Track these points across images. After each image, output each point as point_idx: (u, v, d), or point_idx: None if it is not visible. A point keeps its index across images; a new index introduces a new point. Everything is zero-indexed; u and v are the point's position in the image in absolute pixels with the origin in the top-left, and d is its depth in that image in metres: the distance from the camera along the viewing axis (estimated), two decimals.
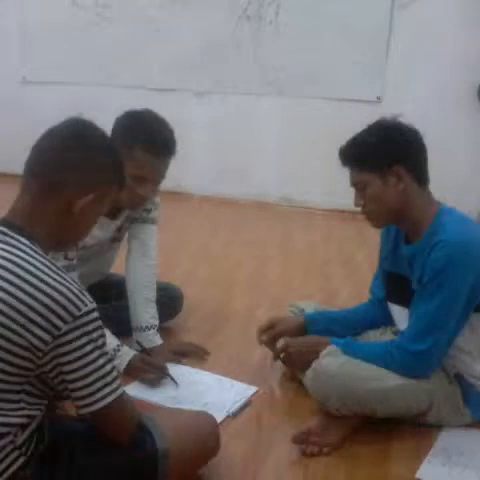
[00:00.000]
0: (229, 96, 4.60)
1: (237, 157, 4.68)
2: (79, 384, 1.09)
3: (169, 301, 2.27)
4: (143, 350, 1.99)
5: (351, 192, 1.70)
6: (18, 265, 1.06)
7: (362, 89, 4.27)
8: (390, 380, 1.59)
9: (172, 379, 1.90)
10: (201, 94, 4.68)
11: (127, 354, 1.90)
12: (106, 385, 1.11)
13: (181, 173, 3.67)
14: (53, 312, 1.04)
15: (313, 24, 4.26)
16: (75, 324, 1.06)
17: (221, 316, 2.51)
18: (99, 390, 1.10)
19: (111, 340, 1.86)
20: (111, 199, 1.25)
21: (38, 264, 1.07)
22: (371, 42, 4.17)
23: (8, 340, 1.03)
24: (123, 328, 2.03)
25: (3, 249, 1.08)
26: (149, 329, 2.04)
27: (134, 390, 1.81)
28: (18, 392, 1.07)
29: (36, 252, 1.09)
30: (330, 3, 4.20)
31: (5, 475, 1.08)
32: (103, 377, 1.10)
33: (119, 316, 2.02)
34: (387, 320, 1.87)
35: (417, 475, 1.51)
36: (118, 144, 1.32)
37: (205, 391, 1.88)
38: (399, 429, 1.69)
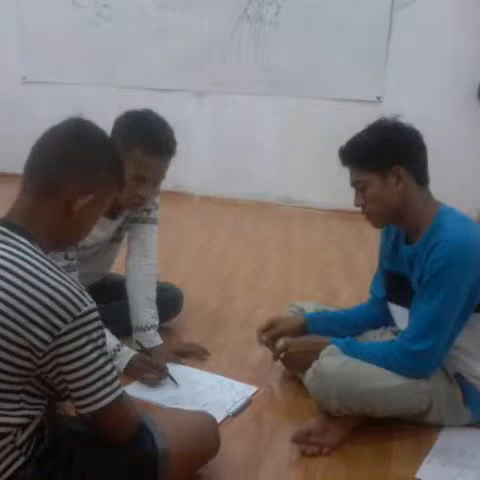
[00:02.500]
0: (229, 96, 4.60)
1: (237, 157, 4.68)
2: (79, 384, 1.08)
3: (169, 301, 2.27)
4: (143, 350, 1.99)
5: (351, 192, 1.70)
6: (18, 265, 1.05)
7: (362, 89, 4.27)
8: (390, 380, 1.59)
9: (172, 379, 1.90)
10: (201, 94, 4.68)
11: (127, 354, 1.90)
12: (106, 385, 1.11)
13: (181, 173, 3.67)
14: (53, 312, 1.04)
15: (313, 24, 4.26)
16: (75, 324, 1.06)
17: (221, 316, 2.51)
18: (99, 390, 1.10)
19: (111, 340, 1.86)
20: (111, 199, 1.25)
21: (38, 264, 1.07)
22: (371, 42, 4.17)
23: (8, 340, 1.02)
24: (123, 328, 2.03)
25: (3, 249, 1.07)
26: (149, 329, 2.05)
27: (134, 390, 1.81)
28: (18, 392, 1.07)
29: (36, 252, 1.09)
30: (330, 3, 4.21)
31: (5, 475, 1.08)
32: (103, 377, 1.10)
33: (119, 316, 2.02)
34: (387, 320, 1.87)
35: (417, 475, 1.51)
36: (118, 144, 1.32)
37: (205, 391, 1.88)
38: (399, 429, 1.69)
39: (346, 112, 4.14)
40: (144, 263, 2.10)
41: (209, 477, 1.47)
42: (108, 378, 1.11)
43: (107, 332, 1.74)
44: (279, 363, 1.96)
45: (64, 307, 1.05)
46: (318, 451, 1.58)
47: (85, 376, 1.08)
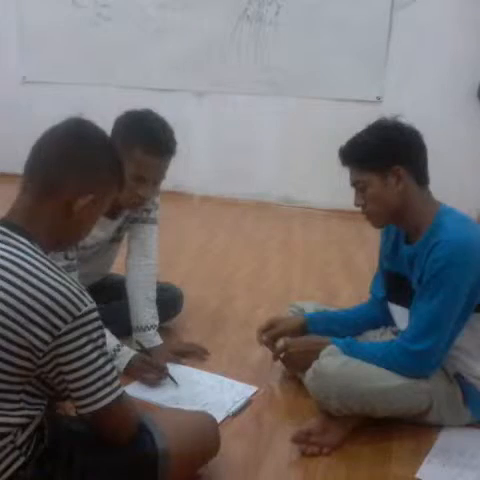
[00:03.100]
0: (229, 96, 4.61)
1: (237, 157, 4.68)
2: (79, 384, 1.08)
3: (169, 301, 2.27)
4: (143, 350, 1.99)
5: (351, 192, 1.70)
6: (18, 265, 1.05)
7: (362, 89, 4.27)
8: (390, 380, 1.59)
9: (172, 379, 1.90)
10: (201, 94, 4.68)
11: (127, 354, 1.90)
12: (106, 385, 1.11)
13: (181, 173, 3.67)
14: (53, 312, 1.04)
15: (313, 24, 4.26)
16: (75, 324, 1.06)
17: (221, 316, 2.51)
18: (99, 390, 1.10)
19: (111, 340, 1.86)
20: (111, 199, 1.25)
21: (38, 264, 1.07)
22: (371, 42, 4.17)
23: (8, 340, 1.03)
24: (123, 328, 2.03)
25: (3, 249, 1.07)
26: (149, 329, 2.04)
27: (134, 390, 1.81)
28: (18, 392, 1.07)
29: (36, 252, 1.09)
30: (330, 3, 4.21)
31: (5, 475, 1.08)
32: (103, 377, 1.10)
33: (119, 316, 2.02)
34: (387, 320, 1.87)
35: (417, 475, 1.51)
36: (118, 144, 1.32)
37: (205, 391, 1.88)
38: (399, 429, 1.69)
39: (346, 112, 4.14)
40: (144, 263, 2.10)
41: (209, 477, 1.46)
42: (108, 378, 1.11)
43: (107, 332, 1.74)
44: (279, 363, 1.95)
45: (64, 307, 1.05)
46: (318, 451, 1.58)
47: (85, 376, 1.08)
